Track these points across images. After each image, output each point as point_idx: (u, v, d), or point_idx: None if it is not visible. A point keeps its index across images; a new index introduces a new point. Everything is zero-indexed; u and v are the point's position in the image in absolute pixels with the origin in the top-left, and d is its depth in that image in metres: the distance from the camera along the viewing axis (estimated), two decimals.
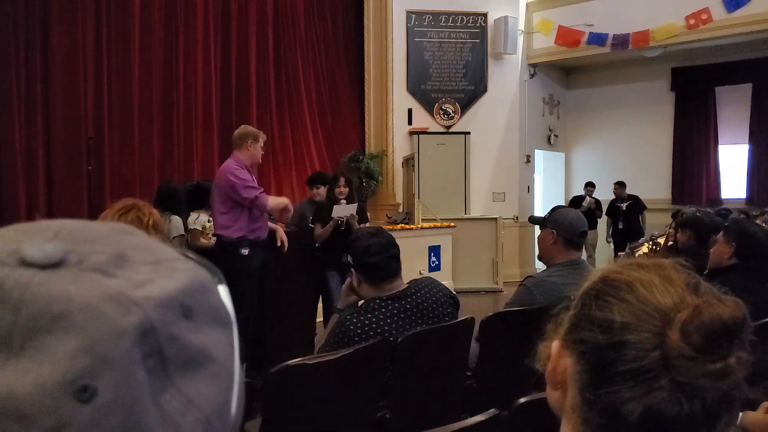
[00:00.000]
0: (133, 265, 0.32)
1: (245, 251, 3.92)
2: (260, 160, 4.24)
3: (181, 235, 4.37)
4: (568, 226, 2.55)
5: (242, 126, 4.33)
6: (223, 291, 0.36)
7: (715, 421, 0.60)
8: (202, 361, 0.31)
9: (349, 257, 2.15)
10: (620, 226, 8.86)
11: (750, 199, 9.21)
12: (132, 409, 0.28)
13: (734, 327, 0.58)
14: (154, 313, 0.30)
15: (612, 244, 8.96)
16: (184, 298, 0.31)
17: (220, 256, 4.00)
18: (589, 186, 9.27)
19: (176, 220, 4.41)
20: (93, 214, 5.54)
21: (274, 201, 4.13)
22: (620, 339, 0.61)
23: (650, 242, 5.92)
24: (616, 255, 8.09)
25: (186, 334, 0.31)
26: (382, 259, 2.08)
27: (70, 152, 6.49)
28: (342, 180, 4.69)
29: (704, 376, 0.58)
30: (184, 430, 0.30)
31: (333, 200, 4.61)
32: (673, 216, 6.85)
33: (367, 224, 4.73)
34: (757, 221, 4.66)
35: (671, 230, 4.88)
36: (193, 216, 4.55)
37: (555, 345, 0.68)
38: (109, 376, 0.28)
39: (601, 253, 9.10)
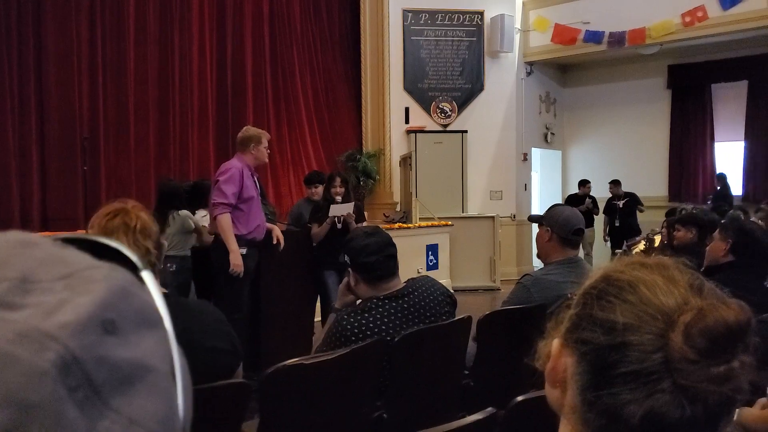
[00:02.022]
0: (41, 286, 0.28)
1: (242, 251, 3.92)
2: (266, 160, 4.23)
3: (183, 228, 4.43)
4: (561, 224, 2.55)
5: (245, 128, 4.29)
6: (148, 277, 0.33)
7: (716, 423, 0.59)
8: (138, 375, 0.29)
9: (346, 257, 2.14)
10: (617, 224, 8.87)
11: (746, 196, 9.23)
12: None
13: (739, 331, 0.57)
14: (72, 341, 0.27)
15: (609, 242, 8.97)
16: (104, 312, 0.29)
17: (217, 256, 4.00)
18: (586, 184, 9.27)
19: (184, 213, 4.46)
20: (88, 214, 5.49)
21: (229, 237, 3.83)
22: (622, 340, 0.60)
23: (646, 240, 5.94)
24: (613, 253, 8.10)
25: (114, 352, 0.28)
26: (379, 258, 2.07)
27: (64, 152, 6.47)
28: (338, 179, 4.68)
29: (707, 380, 0.57)
30: None
31: (329, 200, 4.60)
32: (667, 215, 6.90)
33: (365, 224, 4.73)
34: (753, 218, 4.67)
35: (664, 230, 4.90)
36: (199, 213, 4.58)
37: (555, 344, 0.68)
38: (35, 424, 0.25)
39: (599, 250, 9.11)
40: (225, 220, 3.85)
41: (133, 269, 0.33)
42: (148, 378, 0.29)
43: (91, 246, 0.33)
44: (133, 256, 0.33)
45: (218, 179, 3.92)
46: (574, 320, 0.66)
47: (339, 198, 4.56)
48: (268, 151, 4.18)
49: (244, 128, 4.29)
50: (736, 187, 9.42)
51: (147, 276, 0.33)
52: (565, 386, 0.66)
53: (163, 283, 1.67)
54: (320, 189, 4.92)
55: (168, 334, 0.32)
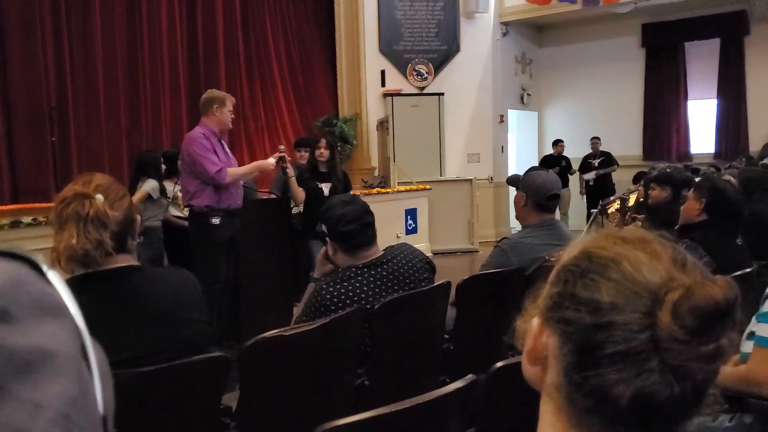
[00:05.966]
0: None
1: (216, 220, 3.85)
2: (230, 125, 4.10)
3: (151, 198, 4.42)
4: (536, 190, 2.57)
5: (208, 90, 4.18)
6: (54, 277, 0.33)
7: (702, 397, 0.59)
8: (39, 360, 0.29)
9: (323, 226, 2.13)
10: (591, 183, 9.00)
11: (718, 153, 9.37)
12: None
13: (727, 308, 0.57)
14: None
15: (585, 198, 9.10)
16: None
17: (193, 227, 3.95)
18: (559, 143, 9.33)
19: (151, 182, 4.48)
20: (59, 186, 5.37)
21: (238, 171, 3.99)
22: (608, 320, 0.59)
23: (620, 199, 6.02)
24: (588, 212, 8.21)
25: (9, 339, 0.28)
26: (357, 227, 2.06)
27: (32, 123, 6.26)
28: (323, 141, 4.64)
29: (696, 359, 0.56)
30: None
31: (313, 163, 4.60)
32: (636, 178, 7.01)
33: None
34: (726, 176, 4.74)
35: (641, 187, 4.96)
36: (166, 184, 4.58)
37: (535, 322, 0.66)
38: None
39: (575, 210, 9.22)
40: (229, 171, 3.84)
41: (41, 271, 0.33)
42: (51, 362, 0.29)
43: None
44: (39, 260, 0.33)
45: (192, 159, 3.80)
46: (555, 299, 0.64)
47: (323, 159, 4.54)
48: (233, 115, 4.07)
49: (207, 91, 4.19)
50: (709, 146, 9.55)
51: (53, 276, 0.33)
52: (546, 365, 0.65)
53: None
54: (306, 154, 4.96)
55: (73, 321, 0.32)
